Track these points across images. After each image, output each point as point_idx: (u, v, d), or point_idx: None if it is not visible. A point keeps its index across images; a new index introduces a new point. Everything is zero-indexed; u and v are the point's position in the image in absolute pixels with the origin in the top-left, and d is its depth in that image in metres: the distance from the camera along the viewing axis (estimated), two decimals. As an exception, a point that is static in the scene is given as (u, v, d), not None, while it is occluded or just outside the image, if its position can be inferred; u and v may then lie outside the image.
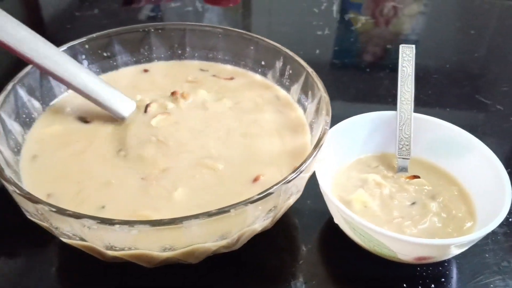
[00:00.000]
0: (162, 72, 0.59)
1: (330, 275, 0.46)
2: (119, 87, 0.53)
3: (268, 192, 0.37)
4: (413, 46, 0.53)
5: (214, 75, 0.58)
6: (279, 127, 0.51)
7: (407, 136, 0.51)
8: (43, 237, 0.45)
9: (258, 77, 0.59)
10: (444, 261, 0.47)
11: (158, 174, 0.45)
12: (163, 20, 0.90)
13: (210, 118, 0.52)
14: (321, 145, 0.42)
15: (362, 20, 0.91)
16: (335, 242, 0.49)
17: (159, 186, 0.44)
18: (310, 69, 0.51)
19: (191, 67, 0.60)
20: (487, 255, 0.48)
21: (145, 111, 0.52)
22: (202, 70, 0.59)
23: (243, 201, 0.37)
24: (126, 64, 0.59)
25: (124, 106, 0.52)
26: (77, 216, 0.36)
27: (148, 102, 0.52)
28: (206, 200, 0.43)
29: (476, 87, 0.73)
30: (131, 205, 0.43)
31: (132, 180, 0.45)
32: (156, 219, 0.35)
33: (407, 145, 0.51)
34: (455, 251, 0.42)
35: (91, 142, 0.49)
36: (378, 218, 0.45)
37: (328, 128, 0.44)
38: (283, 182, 0.38)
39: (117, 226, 0.35)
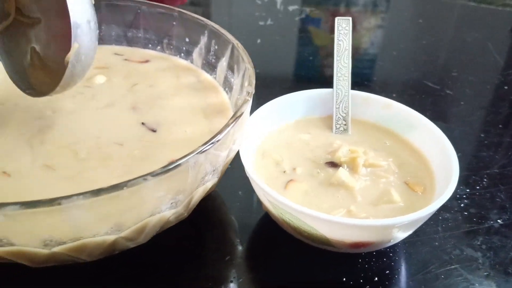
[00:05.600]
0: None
1: (263, 271, 0.40)
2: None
3: (173, 165, 0.31)
4: (350, 18, 0.48)
5: (126, 59, 0.52)
6: (198, 111, 0.45)
7: (344, 114, 0.46)
8: None
9: (180, 60, 0.53)
10: (389, 252, 0.41)
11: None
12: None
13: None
14: (240, 115, 0.36)
15: (321, 34, 0.86)
16: (270, 235, 0.43)
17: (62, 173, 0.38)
18: (235, 41, 0.45)
19: (105, 51, 0.53)
20: (437, 244, 0.42)
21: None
22: (116, 54, 0.53)
23: (142, 175, 0.30)
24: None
25: None
26: None
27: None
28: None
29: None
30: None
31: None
32: (30, 200, 0.28)
33: (345, 124, 0.46)
34: (393, 234, 0.36)
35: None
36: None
37: (249, 98, 0.38)
38: (192, 155, 0.32)
39: (-26, 209, 0.28)
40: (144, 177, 0.30)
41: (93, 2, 0.39)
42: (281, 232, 0.41)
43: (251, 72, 0.41)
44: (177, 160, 0.31)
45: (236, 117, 0.36)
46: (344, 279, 0.39)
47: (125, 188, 0.29)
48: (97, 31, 0.40)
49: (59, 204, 0.28)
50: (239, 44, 0.45)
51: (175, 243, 0.41)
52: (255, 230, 0.44)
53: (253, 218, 0.45)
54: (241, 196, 0.46)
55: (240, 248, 0.42)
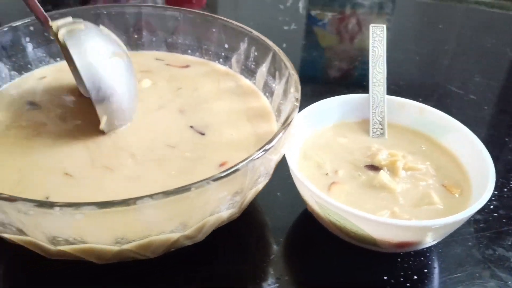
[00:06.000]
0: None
1: (305, 270, 0.42)
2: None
3: (234, 169, 0.33)
4: (384, 25, 0.50)
5: (167, 64, 0.54)
6: (241, 115, 0.47)
7: (380, 119, 0.48)
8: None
9: (219, 66, 0.55)
10: (426, 252, 0.43)
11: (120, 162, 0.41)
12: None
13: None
14: (290, 121, 0.38)
15: (327, 36, 0.88)
16: (310, 235, 0.45)
17: (121, 173, 0.40)
18: (277, 48, 0.47)
19: (146, 57, 0.55)
20: (470, 244, 0.45)
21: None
22: (157, 59, 0.55)
23: (206, 178, 0.32)
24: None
25: None
26: (12, 199, 0.30)
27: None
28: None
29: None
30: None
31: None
32: (105, 200, 0.30)
33: (381, 128, 0.48)
34: (437, 234, 0.39)
35: (40, 126, 0.44)
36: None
37: (297, 104, 0.40)
38: (250, 159, 0.34)
39: (58, 208, 0.30)
40: (207, 180, 0.32)
41: (126, 50, 0.42)
42: (321, 231, 0.43)
43: (296, 78, 0.43)
44: (237, 164, 0.33)
45: (287, 122, 0.38)
46: (385, 277, 0.41)
47: (193, 189, 0.31)
48: (133, 86, 0.43)
49: (134, 204, 0.30)
50: (281, 51, 0.47)
51: (217, 241, 0.43)
52: (295, 230, 0.46)
53: (292, 218, 0.46)
54: (279, 197, 0.48)
55: (281, 248, 0.43)
